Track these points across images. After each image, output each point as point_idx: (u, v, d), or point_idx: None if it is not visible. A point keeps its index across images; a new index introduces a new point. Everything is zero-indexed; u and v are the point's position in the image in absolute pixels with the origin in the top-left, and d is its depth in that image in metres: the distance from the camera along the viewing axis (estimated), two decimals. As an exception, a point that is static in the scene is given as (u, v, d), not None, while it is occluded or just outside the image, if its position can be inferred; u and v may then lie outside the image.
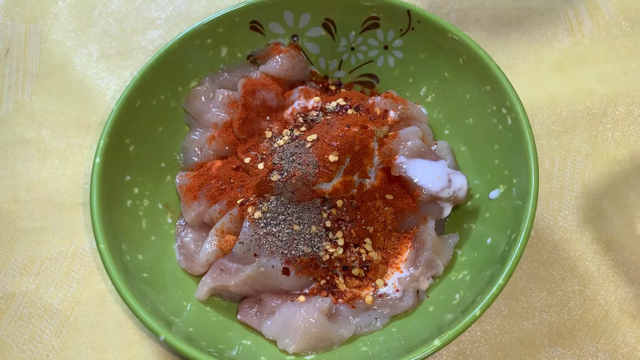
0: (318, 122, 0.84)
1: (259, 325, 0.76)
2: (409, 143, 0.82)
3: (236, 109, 0.87)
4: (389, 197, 0.81)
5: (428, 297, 0.77)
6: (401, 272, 0.78)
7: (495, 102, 0.81)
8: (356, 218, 0.78)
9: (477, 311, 0.65)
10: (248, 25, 0.92)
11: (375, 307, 0.77)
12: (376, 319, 0.76)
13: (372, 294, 0.77)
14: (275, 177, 0.76)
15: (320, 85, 0.95)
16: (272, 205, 0.76)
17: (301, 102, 0.87)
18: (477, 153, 0.85)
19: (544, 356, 0.80)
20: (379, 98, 0.88)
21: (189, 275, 0.82)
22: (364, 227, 0.78)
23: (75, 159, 0.98)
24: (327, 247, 0.76)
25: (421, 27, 0.87)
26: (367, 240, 0.78)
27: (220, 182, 0.83)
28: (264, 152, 0.82)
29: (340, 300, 0.77)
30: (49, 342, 0.84)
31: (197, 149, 0.88)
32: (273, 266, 0.75)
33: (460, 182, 0.80)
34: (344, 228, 0.77)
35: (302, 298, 0.76)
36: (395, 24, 0.89)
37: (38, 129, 1.00)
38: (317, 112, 0.86)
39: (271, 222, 0.76)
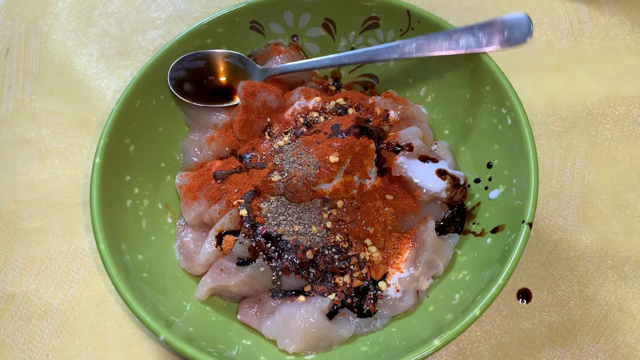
0: (319, 123, 0.84)
1: (259, 325, 0.76)
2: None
3: (236, 110, 0.87)
4: (389, 197, 0.81)
5: (428, 297, 0.77)
6: (401, 272, 0.78)
7: (495, 102, 0.81)
8: (356, 218, 0.78)
9: (477, 311, 0.66)
10: (248, 25, 0.92)
11: (375, 308, 0.77)
12: (376, 319, 0.76)
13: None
14: (275, 177, 0.76)
15: (321, 86, 0.96)
16: (273, 205, 0.76)
17: (302, 102, 0.87)
18: (477, 153, 0.85)
19: (543, 356, 0.80)
20: (379, 98, 0.88)
21: (189, 275, 0.82)
22: (364, 227, 0.78)
23: (75, 159, 0.98)
24: (328, 247, 0.76)
25: (421, 27, 0.87)
26: (368, 240, 0.78)
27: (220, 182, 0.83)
28: (264, 153, 0.82)
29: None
30: (49, 342, 0.84)
31: (197, 149, 0.88)
32: (273, 266, 0.75)
33: (460, 182, 0.81)
34: (344, 228, 0.77)
35: (302, 298, 0.76)
36: (395, 24, 0.89)
37: (38, 129, 1.00)
38: (318, 113, 0.86)
39: (272, 222, 0.76)
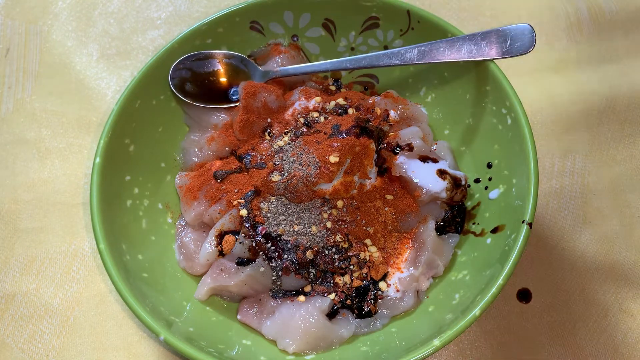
0: (319, 123, 0.84)
1: (259, 325, 0.76)
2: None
3: (237, 110, 0.87)
4: (389, 197, 0.81)
5: (428, 297, 0.77)
6: (402, 272, 0.78)
7: (495, 102, 0.81)
8: (356, 218, 0.78)
9: (477, 311, 0.66)
10: (248, 25, 0.92)
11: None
12: (376, 319, 0.76)
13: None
14: (275, 177, 0.76)
15: (320, 86, 0.96)
16: (273, 205, 0.76)
17: (302, 102, 0.87)
18: (477, 153, 0.85)
19: (544, 356, 0.80)
20: (379, 98, 0.88)
21: (189, 275, 0.82)
22: (364, 227, 0.78)
23: (75, 159, 0.98)
24: (328, 247, 0.76)
25: (421, 27, 0.87)
26: (368, 240, 0.78)
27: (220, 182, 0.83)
28: (264, 153, 0.82)
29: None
30: (49, 342, 0.84)
31: (197, 149, 0.88)
32: (273, 266, 0.75)
33: (460, 182, 0.81)
34: (344, 228, 0.77)
35: (302, 298, 0.76)
36: (395, 24, 0.89)
37: (38, 129, 1.00)
38: (318, 113, 0.86)
39: (272, 222, 0.76)
